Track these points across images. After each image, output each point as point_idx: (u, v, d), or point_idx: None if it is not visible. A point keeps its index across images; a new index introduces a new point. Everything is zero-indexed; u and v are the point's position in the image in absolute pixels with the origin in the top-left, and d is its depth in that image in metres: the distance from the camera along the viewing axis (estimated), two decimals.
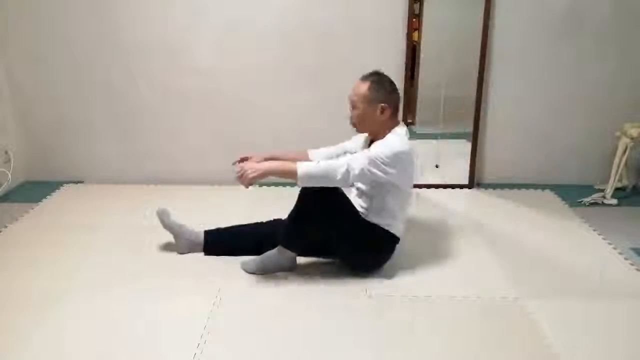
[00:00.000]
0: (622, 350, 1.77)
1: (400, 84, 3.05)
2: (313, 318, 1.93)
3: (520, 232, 2.60)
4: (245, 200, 3.01)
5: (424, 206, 2.91)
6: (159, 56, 3.06)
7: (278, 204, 2.91)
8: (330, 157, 2.35)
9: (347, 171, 1.99)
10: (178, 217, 2.78)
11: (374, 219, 2.13)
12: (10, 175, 3.18)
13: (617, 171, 2.94)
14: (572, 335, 1.83)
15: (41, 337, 1.83)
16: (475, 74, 3.03)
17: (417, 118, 3.31)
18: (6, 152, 3.19)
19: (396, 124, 2.16)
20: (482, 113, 3.12)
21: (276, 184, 3.23)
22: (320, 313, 1.96)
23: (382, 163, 2.00)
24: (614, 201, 2.96)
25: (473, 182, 3.22)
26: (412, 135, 3.22)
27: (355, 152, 2.31)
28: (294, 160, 2.16)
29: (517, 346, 1.78)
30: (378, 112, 2.10)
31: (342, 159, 2.05)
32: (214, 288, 2.10)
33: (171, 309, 1.97)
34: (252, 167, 2.01)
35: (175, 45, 3.04)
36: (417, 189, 3.16)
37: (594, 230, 2.63)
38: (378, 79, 2.12)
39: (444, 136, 3.32)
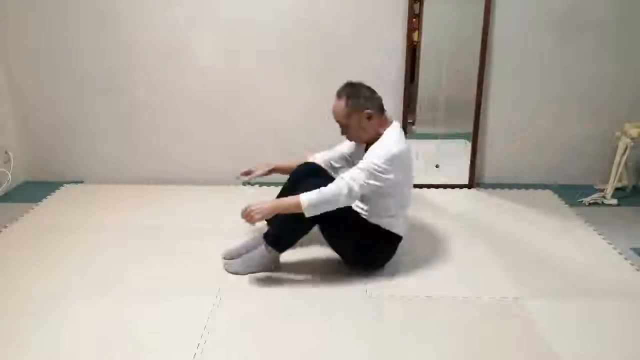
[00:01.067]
0: (622, 350, 1.77)
1: (400, 84, 3.07)
2: (313, 318, 1.93)
3: (520, 232, 2.60)
4: (246, 200, 3.00)
5: (424, 206, 2.91)
6: (159, 56, 3.06)
7: None
8: (329, 162, 2.39)
9: (350, 191, 2.00)
10: (178, 217, 2.79)
11: (374, 219, 2.13)
12: (10, 175, 3.18)
13: (617, 171, 2.94)
14: (572, 335, 1.83)
15: (41, 337, 1.83)
16: (475, 74, 3.03)
17: (417, 118, 3.31)
18: (6, 152, 3.19)
19: (387, 123, 2.15)
20: (482, 113, 3.12)
21: (276, 184, 3.22)
22: (320, 313, 1.96)
23: (379, 172, 2.01)
24: (614, 201, 2.96)
25: (473, 182, 3.22)
26: (412, 135, 3.26)
27: (351, 154, 2.35)
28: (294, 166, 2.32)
29: (517, 346, 1.78)
30: (365, 119, 2.10)
31: (339, 180, 2.03)
32: (214, 288, 2.10)
33: (171, 309, 1.97)
34: (258, 209, 2.03)
35: (176, 45, 3.04)
36: (417, 189, 3.16)
37: (594, 230, 2.63)
38: (352, 89, 2.12)
39: (444, 136, 3.33)
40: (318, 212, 2.01)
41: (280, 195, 2.36)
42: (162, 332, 1.85)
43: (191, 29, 3.01)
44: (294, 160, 2.43)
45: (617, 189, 3.02)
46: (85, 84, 3.14)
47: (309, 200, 1.99)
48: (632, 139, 2.85)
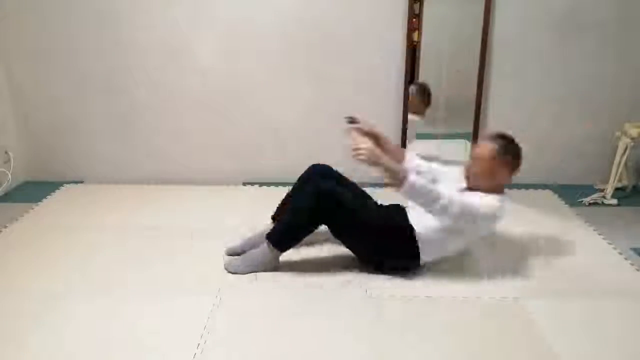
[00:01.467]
0: (622, 350, 1.78)
1: (400, 84, 3.07)
2: (313, 318, 1.93)
3: (520, 232, 2.60)
4: (246, 200, 3.01)
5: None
6: (159, 56, 3.06)
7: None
8: (418, 168, 2.33)
9: (446, 206, 1.99)
10: (178, 217, 2.79)
11: (422, 243, 2.13)
12: (10, 175, 3.18)
13: (617, 171, 2.94)
14: (572, 335, 1.83)
15: (41, 337, 1.83)
16: (475, 74, 3.03)
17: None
18: (6, 152, 3.19)
19: (503, 187, 2.17)
20: (482, 113, 3.12)
21: (276, 184, 3.23)
22: (320, 313, 1.96)
23: (479, 219, 2.04)
24: (614, 201, 2.96)
25: None
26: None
27: (437, 177, 2.31)
28: (393, 151, 2.24)
29: (517, 346, 1.78)
30: (500, 171, 2.13)
31: (444, 189, 2.03)
32: (214, 288, 2.10)
33: (171, 309, 1.97)
34: (368, 151, 1.97)
35: (176, 45, 3.04)
36: None
37: (594, 230, 2.63)
38: (508, 142, 2.15)
39: (444, 136, 3.32)
40: (411, 198, 2.00)
41: (288, 196, 2.39)
42: (162, 332, 1.85)
43: (191, 29, 3.01)
44: (393, 145, 2.35)
45: (617, 189, 3.02)
46: (85, 84, 3.14)
47: (415, 181, 1.97)
48: (632, 139, 2.85)
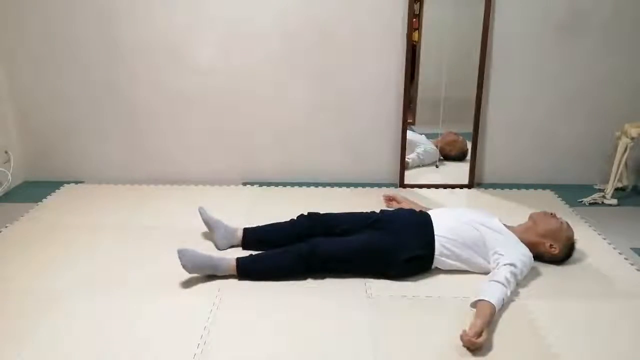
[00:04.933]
0: (622, 350, 1.78)
1: (400, 84, 3.07)
2: (313, 318, 1.93)
3: None
4: (246, 200, 3.01)
5: (424, 206, 2.90)
6: (160, 56, 3.06)
7: (278, 204, 2.92)
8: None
9: (516, 283, 2.06)
10: (178, 217, 2.79)
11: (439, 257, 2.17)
12: (10, 175, 3.18)
13: (617, 171, 2.94)
14: (572, 335, 1.84)
15: (41, 337, 1.83)
16: (475, 74, 3.03)
17: (417, 118, 3.31)
18: (6, 152, 3.19)
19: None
20: (482, 113, 3.12)
21: (276, 184, 3.23)
22: (320, 313, 1.96)
23: (526, 270, 2.13)
24: (614, 201, 2.96)
25: (473, 182, 3.22)
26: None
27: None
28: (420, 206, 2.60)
29: (517, 346, 1.78)
30: (547, 246, 2.23)
31: (499, 274, 2.01)
32: (214, 288, 2.10)
33: (171, 309, 1.98)
34: (473, 344, 1.73)
35: (176, 45, 3.04)
36: (417, 189, 3.16)
37: (594, 230, 2.63)
38: (572, 247, 2.30)
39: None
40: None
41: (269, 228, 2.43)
42: (162, 332, 1.85)
43: (191, 29, 3.01)
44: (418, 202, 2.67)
45: (617, 189, 3.01)
46: (86, 84, 3.14)
47: (498, 303, 1.90)
48: (632, 139, 2.85)
